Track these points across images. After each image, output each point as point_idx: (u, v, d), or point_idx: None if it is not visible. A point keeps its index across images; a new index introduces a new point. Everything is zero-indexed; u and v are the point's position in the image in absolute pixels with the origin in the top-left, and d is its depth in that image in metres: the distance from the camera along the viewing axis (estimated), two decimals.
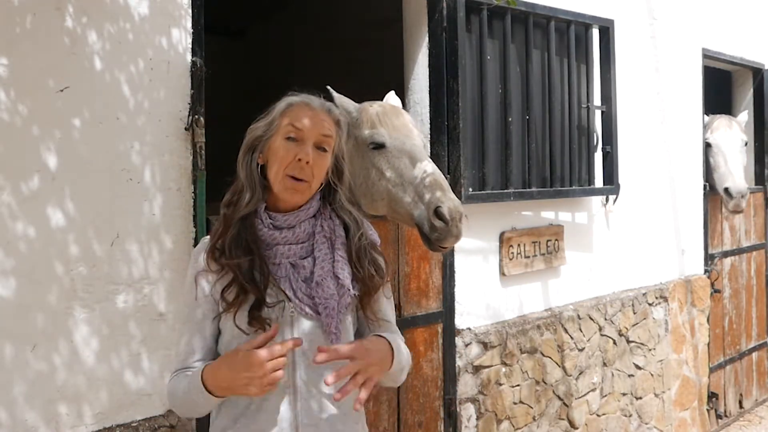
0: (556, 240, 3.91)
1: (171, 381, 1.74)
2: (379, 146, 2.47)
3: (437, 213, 2.33)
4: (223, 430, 1.69)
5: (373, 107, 2.56)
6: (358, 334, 1.83)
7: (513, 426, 3.61)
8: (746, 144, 5.20)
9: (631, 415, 4.43)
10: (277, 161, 1.68)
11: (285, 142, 1.68)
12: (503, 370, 3.56)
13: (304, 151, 1.66)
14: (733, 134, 5.11)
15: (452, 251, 3.33)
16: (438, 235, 2.35)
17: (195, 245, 2.39)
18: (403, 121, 2.57)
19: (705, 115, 5.21)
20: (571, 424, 3.97)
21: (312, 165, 1.67)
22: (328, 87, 2.52)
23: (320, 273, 1.68)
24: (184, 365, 1.72)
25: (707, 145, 5.14)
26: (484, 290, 3.53)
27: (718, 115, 5.27)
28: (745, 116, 5.35)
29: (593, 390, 4.13)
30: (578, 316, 4.02)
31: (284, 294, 1.67)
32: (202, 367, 1.63)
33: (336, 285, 1.68)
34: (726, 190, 4.93)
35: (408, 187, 2.42)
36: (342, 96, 2.56)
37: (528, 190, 3.59)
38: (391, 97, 2.81)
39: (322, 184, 1.76)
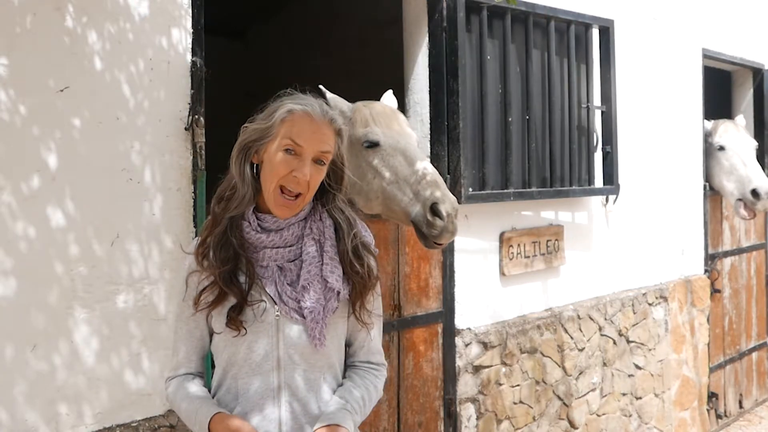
0: (556, 240, 3.91)
1: (171, 387, 1.76)
2: (374, 145, 2.47)
3: (434, 210, 2.34)
4: None
5: (366, 107, 2.56)
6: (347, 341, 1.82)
7: (513, 426, 3.62)
8: (756, 147, 5.15)
9: (631, 415, 4.43)
10: (273, 171, 1.64)
11: (283, 153, 1.63)
12: (503, 370, 3.56)
13: (301, 170, 1.62)
14: (744, 136, 5.08)
15: (452, 251, 3.33)
16: (434, 232, 2.35)
17: None
18: (397, 119, 2.57)
19: (707, 120, 5.19)
20: (571, 424, 3.97)
21: (309, 180, 1.64)
22: (321, 87, 2.52)
23: (306, 277, 1.66)
24: (178, 365, 1.76)
25: (720, 148, 5.06)
26: (484, 290, 3.53)
27: (721, 120, 5.25)
28: (743, 120, 5.33)
29: (593, 390, 4.13)
30: (578, 316, 4.02)
31: (269, 297, 1.66)
32: (209, 415, 1.62)
33: (323, 289, 1.66)
34: (753, 191, 4.78)
35: (403, 184, 2.42)
36: (335, 96, 2.56)
37: (528, 190, 3.59)
38: (387, 97, 2.81)
39: None
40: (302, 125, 1.65)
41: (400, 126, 2.54)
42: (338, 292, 1.68)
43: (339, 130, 1.71)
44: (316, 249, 1.69)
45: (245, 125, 1.72)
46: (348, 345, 1.83)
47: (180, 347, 1.77)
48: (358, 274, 1.71)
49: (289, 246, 1.69)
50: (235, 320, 1.64)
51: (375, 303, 1.80)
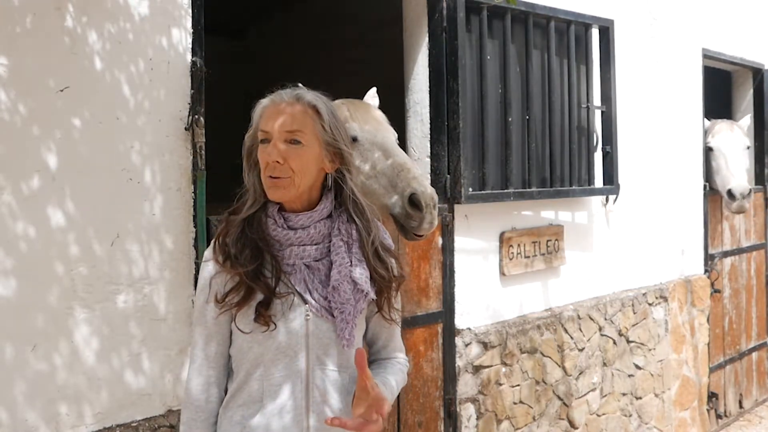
0: (556, 240, 3.91)
1: (183, 406, 1.73)
2: (352, 140, 2.50)
3: (411, 200, 2.35)
4: (232, 419, 1.69)
5: (345, 104, 2.58)
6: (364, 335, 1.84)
7: (513, 426, 3.62)
8: (749, 148, 5.19)
9: (631, 415, 4.43)
10: (261, 166, 1.68)
11: (261, 146, 1.67)
12: (503, 370, 3.56)
13: (270, 151, 1.64)
14: (734, 137, 5.12)
15: (452, 251, 3.33)
16: (413, 223, 2.37)
17: (195, 245, 2.40)
18: (374, 115, 2.59)
19: (706, 120, 5.21)
20: (571, 424, 3.97)
21: (287, 160, 1.63)
22: (299, 84, 2.53)
23: (337, 277, 1.66)
24: (193, 378, 1.72)
25: (709, 149, 5.14)
26: (484, 290, 3.53)
27: (719, 120, 5.27)
28: (747, 120, 5.35)
29: (593, 390, 4.13)
30: (578, 316, 4.02)
31: (300, 295, 1.66)
32: None
33: (353, 289, 1.67)
34: (729, 192, 4.93)
35: (381, 177, 2.44)
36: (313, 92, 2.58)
37: (528, 190, 3.59)
38: (369, 95, 2.82)
39: (328, 180, 1.73)
40: (267, 113, 1.68)
41: (377, 121, 2.56)
42: (366, 294, 1.69)
43: (311, 105, 1.70)
44: (345, 250, 1.69)
45: (245, 136, 1.76)
46: (370, 344, 1.85)
47: (201, 354, 1.72)
48: (383, 277, 1.73)
49: (316, 244, 1.69)
50: (263, 315, 1.63)
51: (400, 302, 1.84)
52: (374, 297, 1.73)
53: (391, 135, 2.55)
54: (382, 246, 1.77)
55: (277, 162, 1.63)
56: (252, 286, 1.63)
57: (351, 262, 1.68)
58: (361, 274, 1.68)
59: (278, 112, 1.67)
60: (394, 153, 2.47)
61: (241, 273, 1.63)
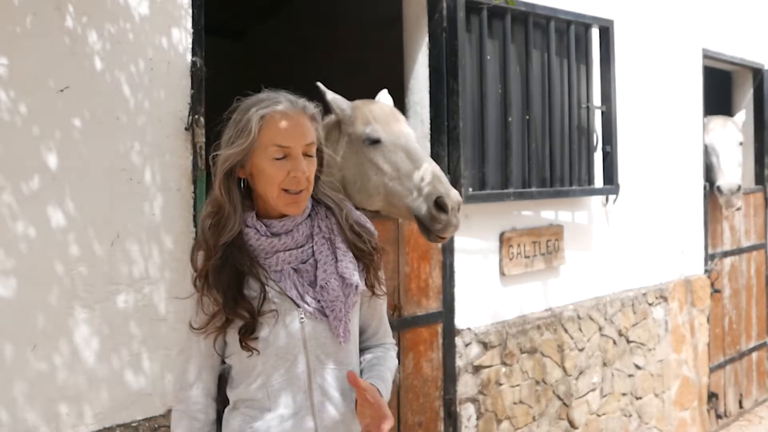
0: (556, 240, 3.91)
1: (176, 416, 1.74)
2: (375, 142, 2.51)
3: (438, 204, 2.38)
4: (234, 423, 1.70)
5: (366, 105, 2.61)
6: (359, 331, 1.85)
7: (513, 426, 3.62)
8: (741, 143, 5.23)
9: (631, 415, 4.43)
10: (270, 179, 1.63)
11: (273, 161, 1.62)
12: (503, 370, 3.56)
13: (298, 169, 1.62)
14: (727, 133, 5.16)
15: (452, 251, 3.33)
16: (439, 226, 2.40)
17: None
18: (396, 117, 2.62)
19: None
20: (571, 424, 3.97)
21: (306, 174, 1.65)
22: (319, 84, 2.54)
23: (323, 276, 1.67)
24: (190, 388, 1.73)
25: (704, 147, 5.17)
26: (484, 290, 3.53)
27: (713, 117, 5.30)
28: (742, 116, 5.36)
29: (593, 390, 4.13)
30: (578, 316, 4.02)
31: (292, 301, 1.66)
32: None
33: (341, 285, 1.68)
34: (718, 188, 5.01)
35: (405, 180, 2.47)
36: (335, 95, 2.59)
37: (528, 190, 3.59)
38: (383, 95, 2.83)
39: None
40: (281, 126, 1.63)
41: (399, 124, 2.59)
42: (356, 286, 1.69)
43: (313, 114, 1.71)
44: (328, 247, 1.70)
45: (216, 153, 1.68)
46: (361, 332, 1.86)
47: (194, 363, 1.73)
48: (363, 251, 1.74)
49: (301, 246, 1.70)
50: (246, 343, 1.63)
51: (381, 277, 1.84)
52: (364, 286, 1.73)
53: (413, 137, 2.60)
54: (357, 223, 1.77)
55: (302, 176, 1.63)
56: (230, 317, 1.62)
57: (336, 258, 1.69)
58: (347, 267, 1.68)
59: (295, 125, 1.64)
60: (418, 155, 2.51)
61: (222, 306, 1.62)
